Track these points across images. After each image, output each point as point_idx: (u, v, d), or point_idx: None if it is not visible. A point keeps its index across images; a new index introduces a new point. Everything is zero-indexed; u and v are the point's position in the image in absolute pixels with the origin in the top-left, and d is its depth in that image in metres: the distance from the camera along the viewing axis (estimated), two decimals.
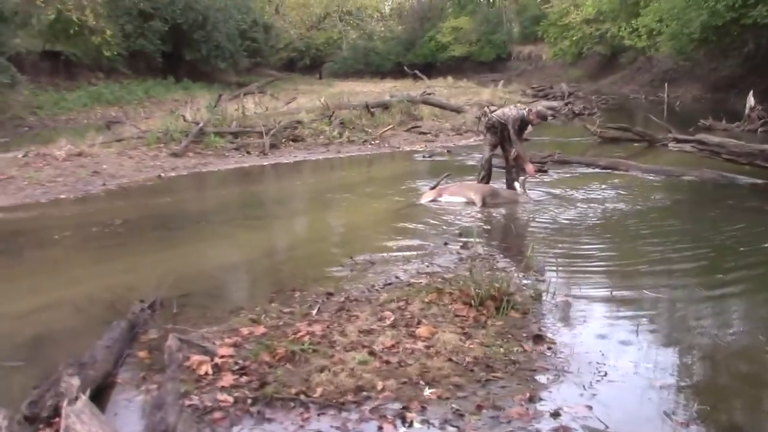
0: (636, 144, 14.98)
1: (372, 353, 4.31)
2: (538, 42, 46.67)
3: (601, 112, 23.00)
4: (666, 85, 27.66)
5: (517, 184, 9.31)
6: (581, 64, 42.73)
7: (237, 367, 4.16)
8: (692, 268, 6.37)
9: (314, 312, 5.06)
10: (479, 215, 8.56)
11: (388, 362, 4.21)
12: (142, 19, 28.27)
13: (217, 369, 4.14)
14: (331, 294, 5.63)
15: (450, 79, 37.27)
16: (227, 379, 4.00)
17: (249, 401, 3.78)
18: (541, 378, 4.07)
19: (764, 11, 17.40)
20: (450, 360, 4.24)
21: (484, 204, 8.90)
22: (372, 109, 17.33)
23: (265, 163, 13.27)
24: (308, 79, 43.76)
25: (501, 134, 9.38)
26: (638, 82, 35.14)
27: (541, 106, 10.09)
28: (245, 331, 4.73)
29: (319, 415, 3.67)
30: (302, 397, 3.81)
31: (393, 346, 4.43)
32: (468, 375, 4.07)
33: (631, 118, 22.96)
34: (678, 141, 10.94)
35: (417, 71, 39.62)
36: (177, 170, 12.26)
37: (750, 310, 5.48)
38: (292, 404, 3.75)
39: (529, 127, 9.74)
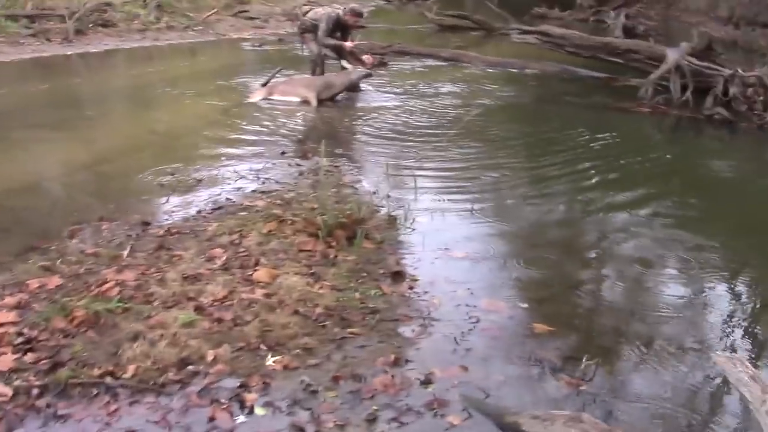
0: (474, 33, 14.47)
1: (200, 309, 3.47)
2: None
3: None
4: None
5: (344, 63, 8.62)
6: None
7: (20, 340, 3.18)
8: (550, 176, 5.93)
9: (125, 253, 4.09)
10: (314, 115, 7.70)
11: (219, 320, 3.39)
12: None
13: None
14: (147, 224, 4.67)
15: None
16: (5, 360, 3.02)
17: (35, 392, 2.85)
18: (406, 330, 3.42)
19: None
20: (296, 313, 3.49)
21: (319, 100, 8.06)
22: None
23: (69, 53, 11.55)
24: None
25: (317, 35, 8.57)
26: None
27: (353, 4, 9.20)
28: (35, 283, 3.71)
29: (131, 404, 2.82)
30: (109, 380, 2.93)
31: (226, 297, 3.60)
32: (319, 333, 3.35)
33: (464, 3, 22.58)
34: (522, 32, 10.47)
35: None
36: None
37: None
38: (95, 391, 2.87)
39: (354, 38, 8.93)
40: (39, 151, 6.50)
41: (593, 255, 4.51)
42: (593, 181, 5.80)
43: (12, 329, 3.26)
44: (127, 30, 13.23)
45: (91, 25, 12.89)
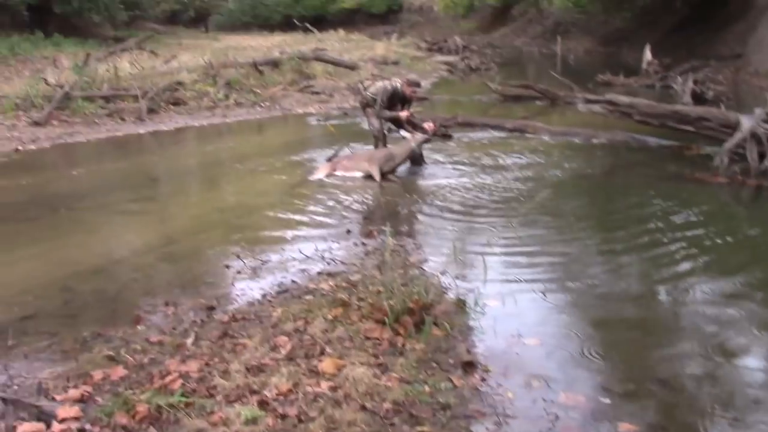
0: (539, 102, 14.37)
1: (263, 404, 3.35)
2: None
3: (498, 67, 22.46)
4: (559, 38, 27.44)
5: (403, 132, 8.58)
6: (473, 16, 42.31)
7: None
8: (631, 258, 5.66)
9: (189, 341, 4.03)
10: (378, 191, 7.65)
11: (284, 416, 3.26)
12: None
13: None
14: (212, 309, 4.62)
15: (341, 32, 36.01)
16: None
17: None
18: (479, 429, 3.22)
19: None
20: (363, 408, 3.33)
21: (382, 174, 8.03)
22: (261, 68, 16.01)
23: (141, 131, 11.86)
24: (193, 33, 41.53)
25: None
26: (530, 35, 34.96)
27: (411, 75, 9.27)
28: (99, 374, 3.67)
29: None
30: None
31: (290, 390, 3.48)
32: (387, 431, 3.18)
33: (527, 72, 22.64)
34: (588, 101, 10.32)
35: (307, 24, 38.34)
36: (38, 142, 10.75)
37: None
38: None
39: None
40: (108, 232, 6.62)
41: (677, 342, 4.21)
42: (672, 258, 5.50)
43: (74, 425, 3.20)
44: (197, 108, 13.56)
45: (163, 104, 13.26)
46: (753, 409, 3.42)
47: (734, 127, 8.28)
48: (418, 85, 8.60)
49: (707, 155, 8.60)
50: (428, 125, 8.63)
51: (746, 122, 7.92)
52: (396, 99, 8.53)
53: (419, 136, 8.43)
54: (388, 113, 8.57)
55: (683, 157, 8.83)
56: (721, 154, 7.96)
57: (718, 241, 5.89)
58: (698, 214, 6.58)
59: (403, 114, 8.53)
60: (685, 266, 5.36)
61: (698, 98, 12.96)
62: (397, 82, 8.62)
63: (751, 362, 3.96)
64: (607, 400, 3.47)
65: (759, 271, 5.29)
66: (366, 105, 8.83)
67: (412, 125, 8.67)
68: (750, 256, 5.69)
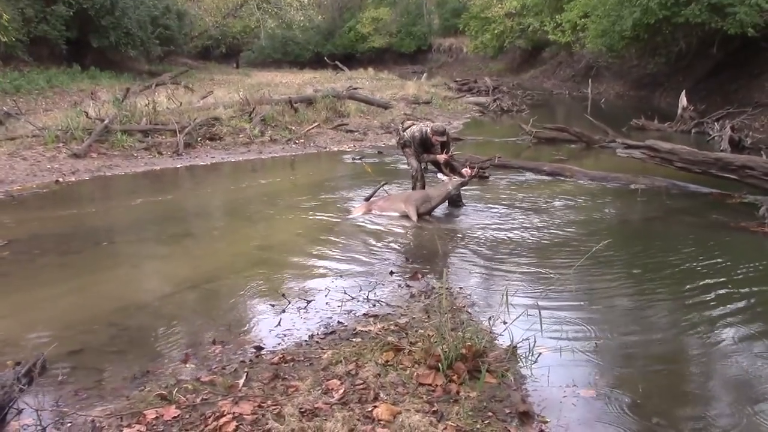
0: (573, 145, 14.32)
1: None
2: (458, 34, 46.24)
3: (529, 109, 22.48)
4: (590, 81, 27.46)
5: (440, 175, 8.56)
6: (502, 57, 42.50)
7: None
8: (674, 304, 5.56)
9: (241, 382, 3.98)
10: (418, 232, 7.62)
11: None
12: (44, 2, 26.09)
13: None
14: (260, 349, 4.59)
15: (371, 70, 36.44)
16: None
17: None
18: None
19: (696, 10, 17.03)
20: None
21: (419, 215, 8.00)
22: (295, 105, 16.14)
23: (178, 165, 11.99)
24: (224, 68, 42.06)
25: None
26: (560, 77, 35.02)
27: (439, 122, 9.38)
28: (151, 414, 3.64)
29: None
30: None
31: None
32: None
33: (557, 114, 22.66)
34: (627, 147, 10.24)
35: (337, 62, 38.88)
36: (78, 174, 10.90)
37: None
38: None
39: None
40: (151, 267, 6.63)
41: (734, 398, 4.09)
42: (727, 310, 5.39)
43: None
44: (233, 143, 13.68)
45: (199, 139, 13.42)
46: None
47: None
48: (441, 134, 8.52)
49: (750, 203, 8.48)
50: (466, 171, 8.60)
51: None
52: (428, 144, 8.57)
53: (456, 179, 8.40)
54: (422, 155, 8.62)
55: (725, 206, 8.71)
56: (766, 203, 7.83)
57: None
58: (748, 265, 6.45)
59: (442, 157, 8.51)
60: (741, 320, 5.22)
61: (736, 145, 12.83)
62: (427, 128, 8.62)
63: None
64: None
65: None
66: (404, 145, 8.86)
67: (451, 168, 8.64)
68: None
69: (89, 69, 27.66)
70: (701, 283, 5.98)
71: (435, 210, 8.35)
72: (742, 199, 8.80)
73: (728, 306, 5.46)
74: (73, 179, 10.61)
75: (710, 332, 5.00)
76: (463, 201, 8.78)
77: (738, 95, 18.65)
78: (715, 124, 15.22)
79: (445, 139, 8.58)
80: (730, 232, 7.56)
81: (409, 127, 9.00)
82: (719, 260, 6.61)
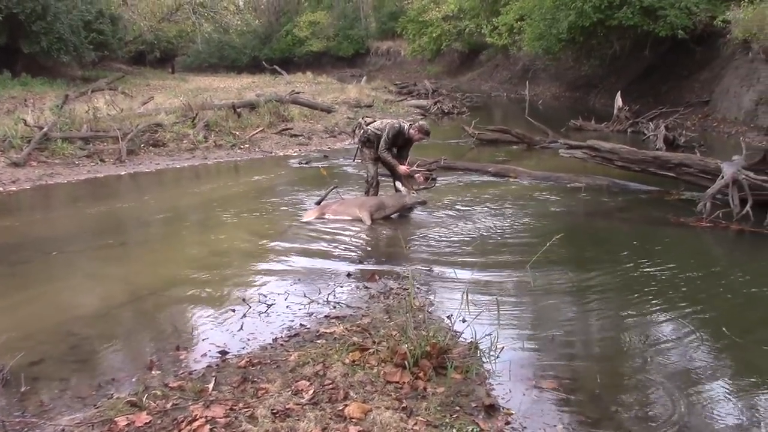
0: (515, 147, 14.61)
1: None
2: (396, 38, 46.49)
3: (469, 111, 22.81)
4: (527, 83, 28.00)
5: (398, 184, 8.62)
6: (440, 60, 42.95)
7: None
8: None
9: (210, 387, 4.01)
10: (372, 234, 7.72)
11: None
12: None
13: None
14: (225, 353, 4.61)
15: (309, 74, 36.47)
16: None
17: None
18: None
19: (629, 13, 17.63)
20: None
21: (372, 219, 8.08)
22: (238, 110, 16.05)
23: (122, 173, 11.81)
24: (160, 74, 41.42)
25: (378, 147, 8.61)
26: (497, 80, 35.56)
27: (422, 121, 9.33)
28: (122, 421, 3.63)
29: None
30: None
31: None
32: None
33: (496, 116, 23.10)
34: (570, 147, 10.53)
35: (276, 66, 38.69)
36: (18, 183, 10.66)
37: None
38: None
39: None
40: (105, 275, 6.55)
41: (675, 385, 4.29)
42: (669, 302, 5.64)
43: None
44: (177, 149, 13.55)
45: (142, 145, 13.23)
46: None
47: (714, 173, 8.53)
48: (427, 134, 8.56)
49: (688, 200, 8.83)
50: (420, 178, 8.65)
51: (728, 169, 8.17)
52: (400, 140, 8.53)
53: (415, 196, 8.44)
54: (389, 157, 8.51)
55: (664, 203, 9.05)
56: (703, 199, 8.17)
57: (705, 283, 6.09)
58: (689, 259, 6.75)
59: (403, 169, 8.53)
60: (680, 312, 5.46)
61: (671, 144, 13.31)
62: (404, 123, 8.64)
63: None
64: None
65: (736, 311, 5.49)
66: (366, 142, 8.76)
67: (408, 180, 8.65)
68: (732, 298, 5.85)
69: (21, 76, 26.90)
70: (646, 276, 6.24)
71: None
72: (680, 196, 9.17)
73: (670, 296, 5.73)
74: (14, 188, 10.37)
75: (656, 324, 5.24)
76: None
77: (669, 95, 19.31)
78: (650, 123, 15.74)
79: (427, 138, 8.62)
80: (670, 228, 7.88)
81: (372, 122, 8.98)
82: (662, 254, 6.89)
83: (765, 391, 4.16)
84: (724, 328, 5.04)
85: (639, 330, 5.16)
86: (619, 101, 17.42)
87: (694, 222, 7.92)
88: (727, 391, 4.15)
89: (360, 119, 9.90)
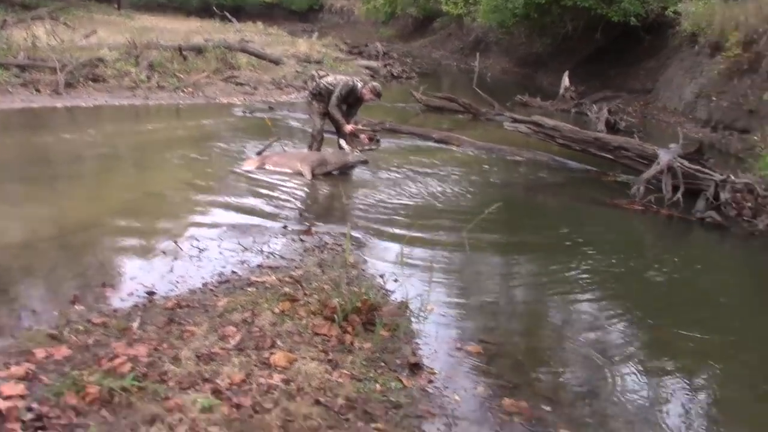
0: (460, 116, 14.67)
1: (217, 392, 3.33)
2: None
3: (418, 77, 22.76)
4: (478, 55, 28.04)
5: (342, 142, 8.56)
6: (394, 23, 42.59)
7: (30, 416, 3.00)
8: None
9: (135, 326, 3.94)
10: (312, 189, 7.68)
11: (239, 406, 3.25)
12: None
13: (1, 418, 2.96)
14: (152, 294, 4.53)
15: (260, 24, 35.65)
16: None
17: None
18: (431, 429, 3.32)
19: None
20: (318, 403, 3.37)
21: (313, 174, 8.03)
22: (184, 53, 15.65)
23: (58, 105, 11.43)
24: (105, 8, 39.85)
25: (329, 101, 8.49)
26: (449, 48, 35.47)
27: (375, 82, 9.26)
28: (41, 353, 3.54)
29: None
30: None
31: (243, 380, 3.47)
32: (343, 426, 3.23)
33: (444, 84, 23.04)
34: (515, 120, 10.61)
35: (226, 13, 37.77)
36: None
37: None
38: None
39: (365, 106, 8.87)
40: (33, 207, 6.34)
41: (614, 359, 4.42)
42: (593, 276, 5.80)
43: (21, 403, 3.07)
44: (117, 86, 13.13)
45: (81, 79, 12.78)
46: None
47: (650, 158, 8.73)
48: (379, 95, 8.50)
49: (623, 183, 9.03)
50: (364, 138, 8.62)
51: (664, 156, 8.36)
52: (351, 98, 8.43)
53: (357, 154, 8.42)
54: (337, 114, 8.40)
55: (600, 183, 9.25)
56: (638, 183, 8.37)
57: (632, 264, 6.28)
58: (618, 238, 6.93)
59: (349, 128, 8.46)
60: (602, 286, 5.64)
61: (611, 127, 13.55)
62: (358, 81, 8.55)
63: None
64: (548, 408, 3.63)
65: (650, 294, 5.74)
66: (317, 95, 8.61)
67: (352, 137, 8.61)
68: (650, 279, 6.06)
69: None
70: (577, 253, 6.39)
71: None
72: (616, 178, 9.37)
73: (597, 274, 5.89)
74: None
75: (580, 300, 5.39)
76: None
77: (615, 80, 19.59)
78: (593, 105, 15.94)
79: (378, 99, 8.56)
80: (604, 208, 8.07)
81: (326, 76, 8.86)
82: (593, 233, 7.08)
83: (671, 369, 4.35)
84: (642, 308, 5.21)
85: (563, 303, 5.30)
86: (566, 81, 17.62)
87: (627, 204, 8.12)
88: (639, 366, 4.31)
89: (314, 71, 9.73)
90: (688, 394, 4.03)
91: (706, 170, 8.28)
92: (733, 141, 12.81)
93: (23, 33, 14.48)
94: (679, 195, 8.01)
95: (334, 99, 8.35)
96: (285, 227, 6.23)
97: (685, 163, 8.32)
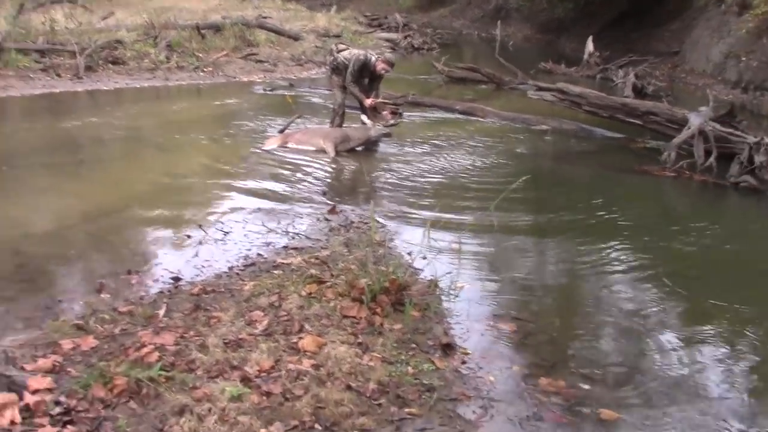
0: (483, 86, 14.45)
1: (246, 380, 3.26)
2: None
3: (439, 48, 22.47)
4: (499, 23, 27.61)
5: (364, 117, 8.42)
6: None
7: (58, 410, 2.96)
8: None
9: (161, 313, 3.88)
10: (337, 166, 7.58)
11: (268, 394, 3.18)
12: None
13: (29, 413, 2.91)
14: (178, 279, 4.47)
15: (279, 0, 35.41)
16: None
17: None
18: (466, 412, 3.22)
19: None
20: (349, 388, 3.28)
21: (336, 151, 7.93)
22: (203, 31, 15.54)
23: (79, 89, 11.42)
24: None
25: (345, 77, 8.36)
26: (469, 17, 34.99)
27: (388, 53, 9.11)
28: (67, 344, 3.50)
29: None
30: None
31: (272, 367, 3.40)
32: (376, 412, 3.14)
33: (466, 54, 22.73)
34: (539, 89, 10.41)
35: None
36: None
37: None
38: None
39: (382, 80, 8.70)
40: (58, 194, 6.32)
41: (652, 333, 4.29)
42: (627, 247, 5.65)
43: (48, 397, 3.03)
44: (137, 68, 13.09)
45: (101, 62, 12.74)
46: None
47: (681, 123, 8.49)
48: (392, 65, 8.34)
49: (653, 149, 8.82)
50: (387, 114, 8.48)
51: (695, 120, 8.13)
52: (366, 72, 8.27)
53: (380, 128, 8.29)
54: (355, 89, 8.27)
55: (629, 150, 9.05)
56: (669, 148, 8.16)
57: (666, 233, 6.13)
58: (650, 206, 6.76)
59: (369, 101, 8.32)
60: (637, 258, 5.49)
61: (639, 92, 13.26)
62: (372, 55, 8.40)
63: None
64: (587, 386, 3.52)
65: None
66: (335, 69, 8.50)
67: (374, 112, 8.47)
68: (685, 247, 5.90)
69: None
70: (608, 223, 6.26)
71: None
72: (646, 144, 9.15)
73: (630, 244, 5.75)
74: None
75: (614, 271, 5.24)
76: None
77: (640, 44, 19.17)
78: (619, 70, 15.66)
79: (391, 70, 8.42)
80: (634, 175, 7.88)
81: (344, 50, 8.72)
82: (624, 201, 6.91)
83: (711, 341, 4.20)
84: (679, 279, 5.06)
85: (597, 277, 5.16)
86: (590, 46, 17.29)
87: (658, 171, 7.92)
88: (678, 339, 4.18)
89: (332, 45, 9.56)
90: (731, 367, 3.89)
91: (739, 133, 8.04)
92: (764, 102, 12.53)
93: (42, 17, 14.44)
94: (711, 159, 7.80)
95: (348, 76, 8.21)
96: (310, 206, 6.13)
97: (717, 126, 8.08)
